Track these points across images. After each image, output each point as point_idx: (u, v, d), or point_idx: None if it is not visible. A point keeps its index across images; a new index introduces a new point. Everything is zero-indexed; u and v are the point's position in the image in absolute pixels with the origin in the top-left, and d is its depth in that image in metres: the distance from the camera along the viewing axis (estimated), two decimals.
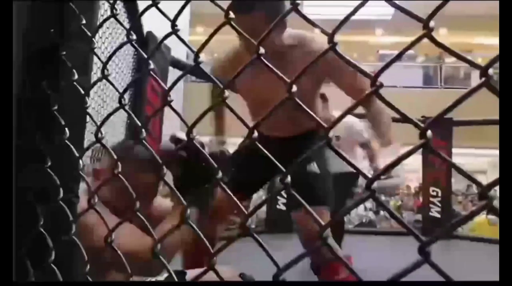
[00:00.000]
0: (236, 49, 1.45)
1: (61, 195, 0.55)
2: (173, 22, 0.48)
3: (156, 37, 2.70)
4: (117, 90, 0.53)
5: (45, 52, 0.60)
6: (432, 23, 0.31)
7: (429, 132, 0.30)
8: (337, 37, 0.35)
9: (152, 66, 0.51)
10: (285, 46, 1.36)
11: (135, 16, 2.01)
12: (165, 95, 0.46)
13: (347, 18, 0.36)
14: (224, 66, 1.51)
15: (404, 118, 0.32)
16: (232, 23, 0.45)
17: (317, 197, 1.42)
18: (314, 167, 1.48)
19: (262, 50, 0.42)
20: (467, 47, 11.37)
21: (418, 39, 0.31)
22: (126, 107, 0.56)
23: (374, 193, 0.32)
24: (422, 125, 0.30)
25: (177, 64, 3.21)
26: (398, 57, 0.33)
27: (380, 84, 0.33)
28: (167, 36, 0.47)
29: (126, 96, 2.53)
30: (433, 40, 0.31)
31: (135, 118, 0.50)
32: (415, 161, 5.66)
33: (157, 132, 2.96)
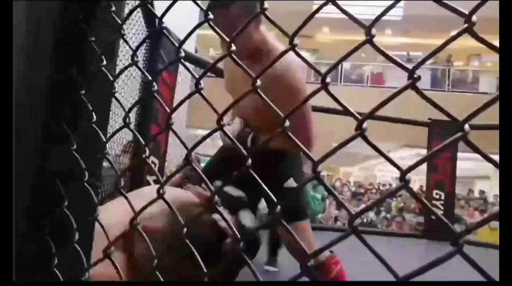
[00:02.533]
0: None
1: (86, 177, 0.56)
2: (206, 12, 0.48)
3: (169, 29, 2.71)
4: (146, 76, 0.54)
5: (74, 38, 0.61)
6: (474, 18, 0.31)
7: (466, 126, 0.31)
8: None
9: (181, 54, 0.51)
10: (258, 48, 1.34)
11: (150, 10, 2.01)
12: (196, 83, 0.47)
13: (382, 14, 0.37)
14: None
15: (441, 111, 0.33)
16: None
17: (298, 212, 1.46)
18: (291, 182, 1.47)
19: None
20: (476, 51, 11.32)
21: (459, 34, 0.32)
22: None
23: (408, 184, 0.32)
24: (459, 119, 0.31)
25: (188, 57, 3.22)
26: (437, 51, 0.34)
27: (418, 77, 0.33)
28: (200, 24, 0.48)
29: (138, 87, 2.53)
30: (474, 35, 0.31)
31: (166, 108, 0.50)
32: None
33: (164, 123, 2.97)
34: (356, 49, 0.38)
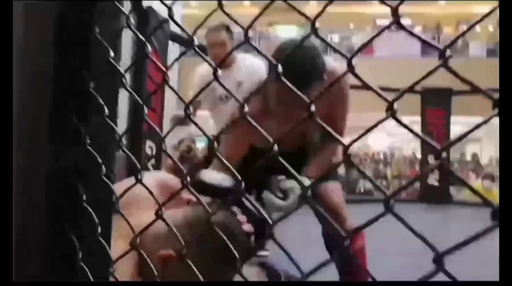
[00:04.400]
0: None
1: (104, 171, 0.56)
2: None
3: (156, 12, 2.64)
4: (163, 67, 0.53)
5: (78, 32, 0.60)
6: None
7: None
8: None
9: (195, 42, 0.50)
10: None
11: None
12: (214, 72, 0.46)
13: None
14: None
15: (475, 90, 0.32)
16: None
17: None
18: None
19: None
20: (466, 17, 11.26)
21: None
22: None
23: (444, 161, 0.33)
24: (494, 97, 0.31)
25: (175, 38, 3.15)
26: (462, 35, 0.34)
27: (449, 56, 0.33)
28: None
29: (129, 73, 2.49)
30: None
31: (181, 98, 0.50)
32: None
33: (159, 109, 2.95)
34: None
